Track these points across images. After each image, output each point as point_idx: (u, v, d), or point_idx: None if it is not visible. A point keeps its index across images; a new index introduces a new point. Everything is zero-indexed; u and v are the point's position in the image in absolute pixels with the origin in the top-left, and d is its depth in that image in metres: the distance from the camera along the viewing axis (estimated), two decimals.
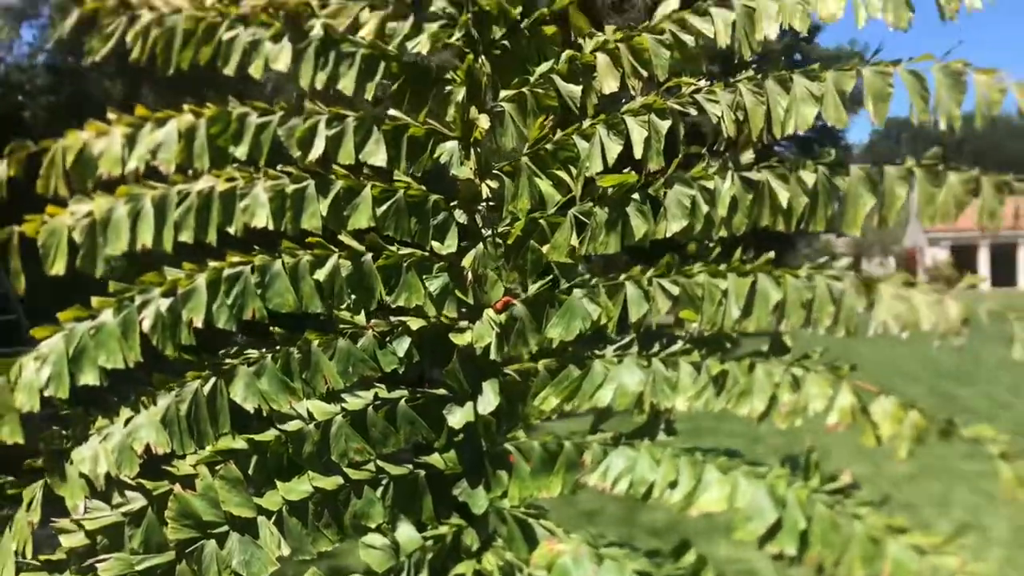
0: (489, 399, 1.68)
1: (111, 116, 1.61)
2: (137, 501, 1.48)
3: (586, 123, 1.71)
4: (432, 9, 1.75)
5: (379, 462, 1.63)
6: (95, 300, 1.53)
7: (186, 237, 1.56)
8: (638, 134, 1.65)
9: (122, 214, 1.54)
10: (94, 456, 1.48)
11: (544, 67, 1.74)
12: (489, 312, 1.70)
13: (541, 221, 1.69)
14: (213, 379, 1.57)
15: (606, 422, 1.68)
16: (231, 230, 1.58)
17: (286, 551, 1.50)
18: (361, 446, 1.61)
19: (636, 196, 1.66)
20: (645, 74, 1.71)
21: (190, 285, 1.55)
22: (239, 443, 1.54)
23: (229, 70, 1.66)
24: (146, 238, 1.54)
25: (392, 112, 1.71)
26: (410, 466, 1.66)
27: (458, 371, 1.67)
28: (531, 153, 1.71)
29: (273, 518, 1.51)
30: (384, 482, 1.62)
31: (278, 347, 1.62)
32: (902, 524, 1.40)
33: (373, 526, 1.58)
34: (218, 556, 1.46)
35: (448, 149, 1.72)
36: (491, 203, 1.75)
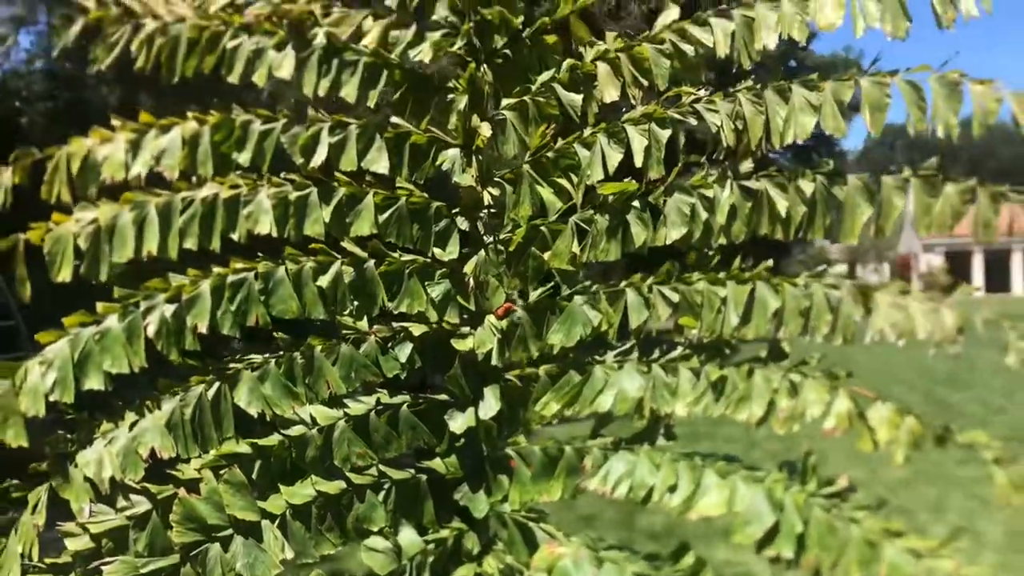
0: (490, 404, 1.69)
1: (115, 122, 1.63)
2: (142, 505, 1.49)
3: (587, 131, 1.72)
4: (434, 18, 1.76)
5: (381, 466, 1.65)
6: (100, 306, 1.54)
7: (190, 244, 1.57)
8: (638, 143, 1.67)
9: (127, 221, 1.56)
10: (99, 460, 1.49)
11: (545, 76, 1.75)
12: (490, 318, 1.71)
13: (542, 228, 1.70)
14: (217, 384, 1.58)
15: (606, 427, 1.69)
16: (235, 237, 1.60)
17: (290, 554, 1.51)
18: (363, 451, 1.62)
19: (636, 204, 1.67)
20: (645, 83, 1.73)
21: (194, 291, 1.56)
22: (243, 447, 1.56)
23: (233, 78, 1.68)
24: (151, 245, 1.55)
25: (394, 120, 1.72)
26: (412, 471, 1.67)
27: (460, 376, 1.69)
28: (532, 161, 1.73)
29: (277, 522, 1.52)
30: (386, 486, 1.63)
31: (281, 352, 1.64)
32: (898, 528, 1.41)
33: (375, 530, 1.60)
34: (222, 559, 1.47)
35: (450, 157, 1.74)
36: (493, 210, 1.76)
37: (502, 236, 1.75)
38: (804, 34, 1.64)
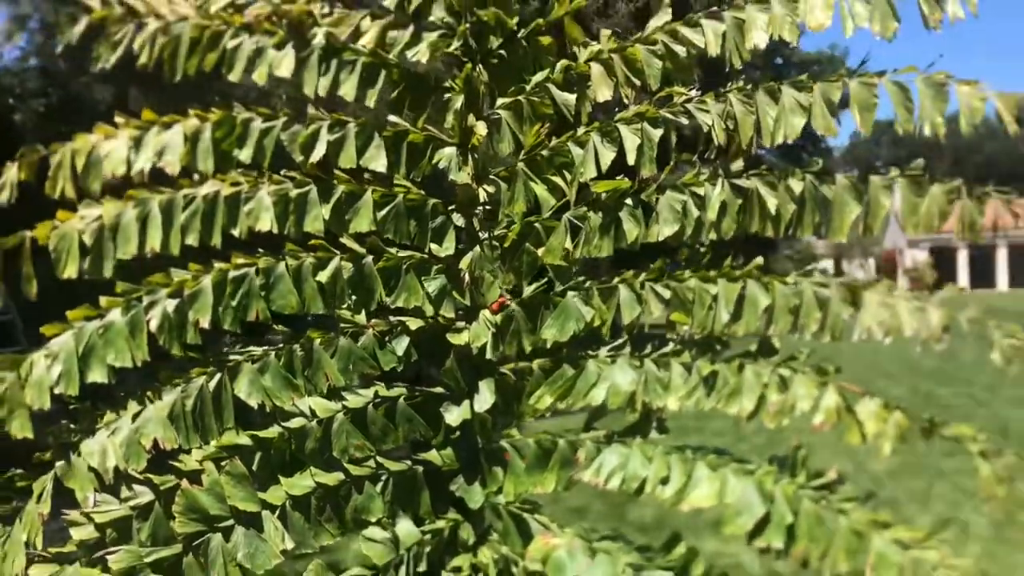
0: (485, 397, 1.72)
1: (118, 119, 1.64)
2: (145, 495, 1.52)
3: (580, 130, 1.75)
4: (431, 19, 1.78)
5: (379, 458, 1.68)
6: (104, 300, 1.57)
7: (192, 240, 1.60)
8: (631, 141, 1.70)
9: (131, 218, 1.58)
10: (103, 450, 1.52)
11: (540, 76, 1.78)
12: (485, 313, 1.74)
13: (536, 225, 1.73)
14: (218, 375, 1.61)
15: (599, 420, 1.72)
16: (236, 233, 1.62)
17: (289, 544, 1.53)
18: (361, 443, 1.65)
19: (629, 201, 1.70)
20: (638, 83, 1.76)
21: (196, 286, 1.59)
22: (244, 439, 1.58)
23: (234, 77, 1.70)
24: (154, 241, 1.57)
25: (392, 118, 1.75)
26: (409, 462, 1.70)
27: (455, 370, 1.72)
28: (527, 159, 1.75)
29: (277, 512, 1.55)
30: (384, 478, 1.66)
31: (281, 345, 1.66)
32: (885, 519, 1.44)
33: (373, 520, 1.63)
34: (224, 549, 1.50)
35: (447, 155, 1.76)
36: (488, 207, 1.79)
37: (497, 232, 1.78)
38: (795, 35, 1.66)
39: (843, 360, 1.63)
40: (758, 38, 1.68)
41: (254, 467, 1.57)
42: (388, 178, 1.72)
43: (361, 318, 1.72)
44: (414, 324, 1.73)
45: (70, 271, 1.55)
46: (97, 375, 1.52)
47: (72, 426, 1.56)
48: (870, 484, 7.37)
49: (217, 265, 1.62)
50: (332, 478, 1.61)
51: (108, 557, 1.44)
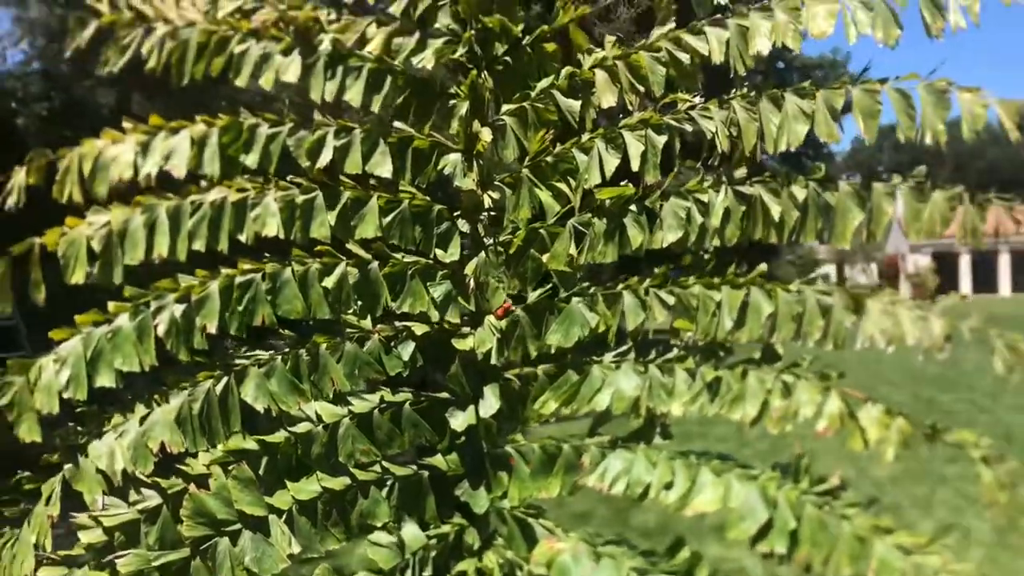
0: (490, 402, 1.73)
1: (126, 124, 1.66)
2: (152, 499, 1.53)
3: (585, 137, 1.76)
4: (437, 26, 1.80)
5: (384, 463, 1.69)
6: (111, 305, 1.58)
7: (199, 245, 1.61)
8: (635, 148, 1.71)
9: (138, 224, 1.59)
10: (110, 452, 1.53)
11: (545, 83, 1.79)
12: (490, 318, 1.75)
13: (541, 231, 1.74)
14: (225, 379, 1.62)
15: (604, 425, 1.73)
16: (243, 239, 1.63)
17: (296, 549, 1.54)
18: (367, 447, 1.66)
19: (633, 207, 1.71)
20: (642, 90, 1.77)
21: (203, 292, 1.60)
22: (250, 444, 1.59)
23: (241, 82, 1.71)
24: (161, 247, 1.59)
25: (398, 125, 1.76)
26: (414, 467, 1.71)
27: (460, 375, 1.73)
28: (532, 165, 1.76)
29: (284, 517, 1.56)
30: (389, 483, 1.67)
31: (287, 349, 1.67)
32: (888, 525, 1.44)
33: (379, 525, 1.64)
34: (231, 553, 1.51)
35: (452, 161, 1.77)
36: (493, 213, 1.80)
37: (502, 238, 1.79)
38: (798, 42, 1.67)
39: (845, 367, 1.63)
40: (761, 45, 1.69)
41: (261, 471, 1.58)
42: (394, 184, 1.73)
43: (367, 323, 1.73)
44: (419, 329, 1.74)
45: (77, 277, 1.56)
46: (105, 379, 1.53)
47: (79, 429, 1.57)
48: (873, 490, 7.37)
49: (224, 271, 1.63)
50: (338, 483, 1.62)
51: (117, 561, 1.45)
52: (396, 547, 1.62)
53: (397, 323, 1.75)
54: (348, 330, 1.72)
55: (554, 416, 1.74)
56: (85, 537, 1.48)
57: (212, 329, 1.58)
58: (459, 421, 1.73)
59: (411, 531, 1.65)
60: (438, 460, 1.72)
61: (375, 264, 1.70)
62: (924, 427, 1.51)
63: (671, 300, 1.69)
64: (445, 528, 1.69)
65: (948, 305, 1.56)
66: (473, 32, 1.78)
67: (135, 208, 1.60)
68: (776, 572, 5.40)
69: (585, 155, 1.74)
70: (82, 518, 1.50)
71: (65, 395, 1.50)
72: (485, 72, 1.80)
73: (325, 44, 1.73)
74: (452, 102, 1.80)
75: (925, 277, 42.40)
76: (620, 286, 1.74)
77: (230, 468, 1.55)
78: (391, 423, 1.69)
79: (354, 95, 1.74)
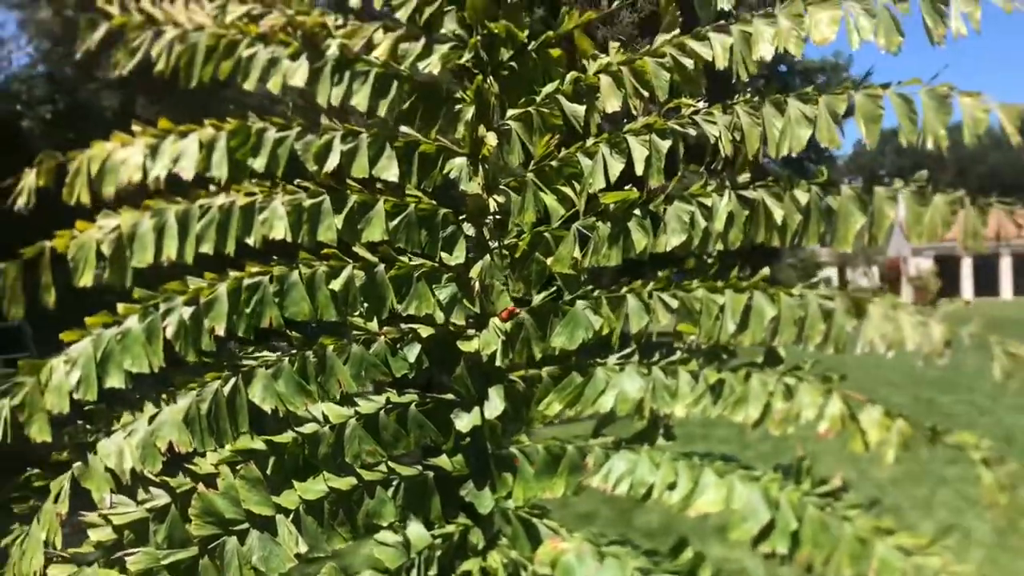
0: (495, 404, 1.75)
1: (135, 128, 1.67)
2: (161, 498, 1.55)
3: (589, 141, 1.78)
4: (443, 31, 1.81)
5: (390, 463, 1.70)
6: (121, 307, 1.59)
7: (207, 248, 1.62)
8: (639, 152, 1.73)
9: (148, 228, 1.60)
10: (119, 451, 1.54)
11: (550, 87, 1.81)
12: (495, 320, 1.77)
13: (546, 234, 1.76)
14: (233, 380, 1.64)
15: (608, 427, 1.74)
16: (250, 242, 1.65)
17: (303, 548, 1.56)
18: (373, 448, 1.68)
19: (637, 211, 1.73)
20: (646, 95, 1.78)
21: (212, 294, 1.62)
22: (258, 444, 1.61)
23: (249, 85, 1.72)
24: (170, 250, 1.60)
25: (404, 129, 1.78)
26: (419, 468, 1.73)
27: (465, 377, 1.74)
28: (536, 169, 1.78)
29: (291, 516, 1.58)
30: (395, 483, 1.69)
31: (295, 351, 1.69)
32: (889, 526, 1.45)
33: (385, 525, 1.65)
34: (239, 552, 1.53)
35: (457, 165, 1.79)
36: (498, 217, 1.82)
37: (507, 241, 1.80)
38: (800, 48, 1.69)
39: (846, 369, 1.65)
40: (764, 50, 1.71)
41: (268, 471, 1.59)
42: (400, 188, 1.75)
43: (373, 325, 1.74)
44: (425, 332, 1.76)
45: (86, 279, 1.58)
46: (115, 380, 1.54)
47: (88, 427, 1.59)
48: (874, 491, 7.39)
49: (232, 273, 1.64)
50: (345, 483, 1.63)
51: (126, 559, 1.47)
52: (402, 546, 1.64)
53: (403, 325, 1.77)
54: (355, 332, 1.73)
55: (558, 418, 1.76)
56: (94, 535, 1.50)
57: (220, 331, 1.59)
58: (464, 422, 1.74)
59: (417, 531, 1.66)
60: (443, 461, 1.74)
61: (381, 267, 1.71)
62: (924, 429, 1.52)
63: (675, 303, 1.71)
64: (450, 528, 1.70)
65: (949, 310, 1.57)
66: (479, 37, 1.80)
67: (144, 212, 1.62)
68: (778, 573, 5.42)
69: (590, 159, 1.76)
70: (91, 516, 1.51)
71: (75, 396, 1.52)
72: (491, 77, 1.82)
73: (332, 49, 1.75)
74: (458, 107, 1.82)
75: (927, 280, 42.38)
76: (624, 289, 1.75)
77: (238, 468, 1.57)
78: (397, 424, 1.71)
79: (361, 100, 1.75)
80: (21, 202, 1.59)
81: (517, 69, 1.83)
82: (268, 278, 1.65)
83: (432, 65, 1.78)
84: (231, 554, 1.52)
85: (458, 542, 1.70)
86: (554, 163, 1.77)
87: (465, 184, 1.78)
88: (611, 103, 1.78)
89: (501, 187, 1.81)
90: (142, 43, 1.71)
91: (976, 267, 48.45)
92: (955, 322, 1.53)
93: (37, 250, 1.55)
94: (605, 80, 1.79)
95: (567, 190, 1.76)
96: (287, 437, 1.63)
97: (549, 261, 1.75)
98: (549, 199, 1.76)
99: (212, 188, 1.67)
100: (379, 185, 1.74)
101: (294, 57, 1.74)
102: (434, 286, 1.75)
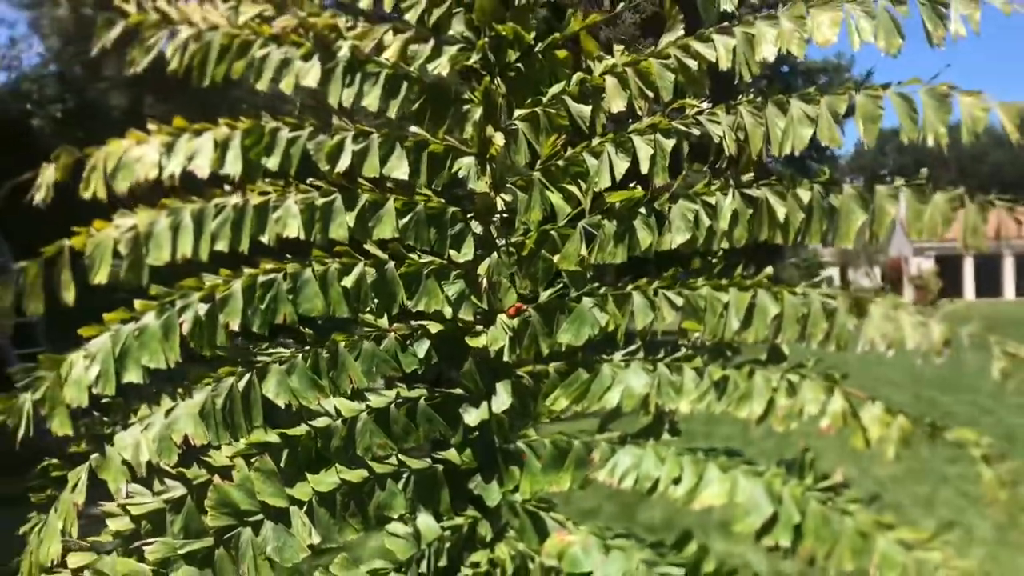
0: (503, 399, 1.78)
1: (151, 126, 1.70)
2: (177, 489, 1.58)
3: (595, 141, 1.81)
4: (451, 33, 1.84)
5: (400, 457, 1.73)
6: (138, 303, 1.63)
7: (222, 246, 1.65)
8: (644, 152, 1.75)
9: (164, 226, 1.63)
10: (136, 444, 1.57)
11: (556, 88, 1.84)
12: (503, 317, 1.79)
13: (552, 232, 1.79)
14: (247, 376, 1.67)
15: (613, 422, 1.77)
16: (264, 240, 1.68)
17: (316, 539, 1.59)
18: (384, 441, 1.71)
19: (642, 210, 1.76)
20: (651, 95, 1.81)
21: (227, 291, 1.65)
22: (272, 437, 1.64)
23: (262, 85, 1.76)
24: (186, 248, 1.63)
25: (413, 129, 1.81)
26: (429, 461, 1.76)
27: (474, 372, 1.77)
28: (543, 168, 1.81)
29: (304, 508, 1.60)
30: (405, 475, 1.72)
31: (307, 347, 1.72)
32: (890, 521, 1.48)
33: (395, 516, 1.68)
34: (254, 543, 1.56)
35: (466, 164, 1.82)
36: (505, 215, 1.85)
37: (514, 239, 1.83)
38: (802, 49, 1.71)
39: (848, 368, 1.67)
40: (767, 52, 1.73)
41: (282, 464, 1.62)
42: (410, 187, 1.78)
43: (384, 322, 1.77)
44: (434, 328, 1.79)
45: (101, 277, 1.60)
46: (133, 376, 1.57)
47: (105, 420, 1.62)
48: (875, 489, 7.40)
49: (246, 271, 1.67)
50: (356, 475, 1.66)
51: (144, 548, 1.50)
52: (412, 538, 1.67)
53: (413, 322, 1.80)
54: (366, 329, 1.76)
55: (565, 413, 1.78)
56: (112, 524, 1.53)
57: (235, 327, 1.63)
58: (472, 417, 1.77)
59: (426, 522, 1.69)
60: (452, 454, 1.76)
61: (392, 264, 1.74)
62: (924, 425, 1.54)
63: (680, 301, 1.73)
64: (459, 520, 1.73)
65: (949, 310, 1.59)
66: (487, 39, 1.82)
67: (161, 211, 1.65)
68: (780, 568, 5.45)
69: (595, 159, 1.79)
70: (109, 506, 1.54)
71: (95, 390, 1.55)
72: (498, 78, 1.85)
73: (344, 50, 1.78)
74: (466, 107, 1.85)
75: (928, 280, 42.33)
76: (630, 287, 1.78)
77: (252, 460, 1.60)
78: (407, 418, 1.74)
79: (372, 100, 1.78)
80: (39, 197, 1.62)
81: (524, 70, 1.86)
82: (282, 275, 1.68)
83: (441, 66, 1.81)
84: (246, 544, 1.55)
85: (467, 534, 1.73)
86: (560, 162, 1.80)
87: (473, 183, 1.81)
88: (616, 103, 1.81)
89: (508, 186, 1.84)
90: (157, 42, 1.74)
91: (978, 268, 48.40)
92: (955, 322, 1.56)
93: (57, 248, 1.58)
94: (610, 81, 1.82)
95: (573, 189, 1.79)
96: (300, 430, 1.66)
97: (556, 258, 1.78)
98: (555, 198, 1.79)
99: (226, 188, 1.70)
100: (389, 184, 1.77)
101: (306, 58, 1.77)
102: (443, 283, 1.78)
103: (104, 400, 1.61)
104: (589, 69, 1.86)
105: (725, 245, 1.73)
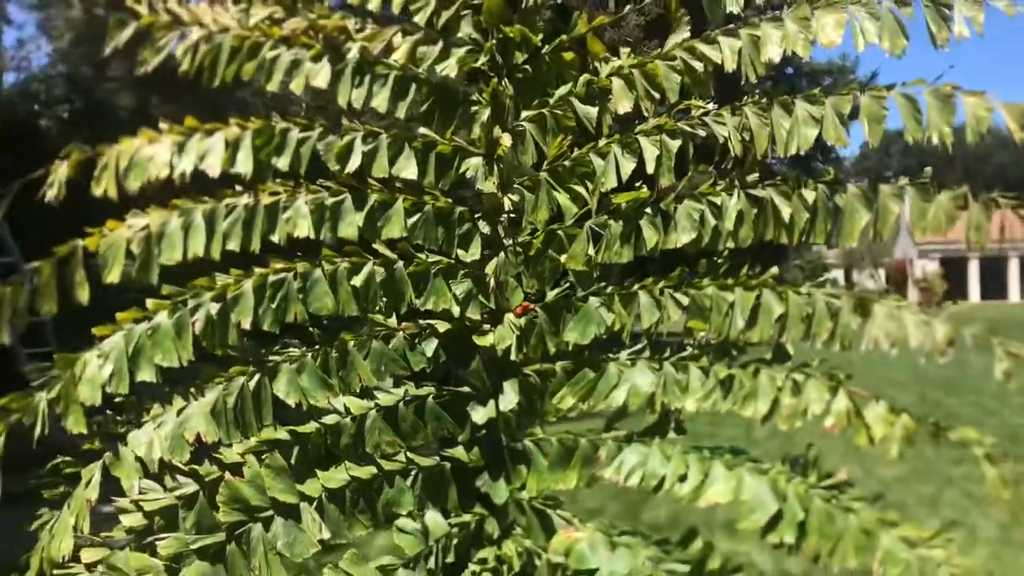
0: (510, 397, 1.79)
1: (163, 126, 1.71)
2: (189, 486, 1.60)
3: (602, 142, 1.82)
4: (459, 35, 1.86)
5: (409, 454, 1.75)
6: (150, 302, 1.64)
7: (233, 246, 1.67)
8: (650, 152, 1.77)
9: (176, 226, 1.65)
10: (149, 441, 1.59)
11: (563, 90, 1.86)
12: (510, 316, 1.81)
13: (559, 232, 1.80)
14: (258, 375, 1.69)
15: (620, 421, 1.78)
16: (275, 239, 1.69)
17: (326, 535, 1.61)
18: (392, 439, 1.72)
19: (648, 210, 1.77)
20: (657, 96, 1.82)
21: (238, 290, 1.66)
22: (282, 434, 1.66)
23: (272, 86, 1.78)
24: (197, 248, 1.65)
25: (422, 130, 1.82)
26: (437, 458, 1.78)
27: (481, 371, 1.79)
28: (550, 169, 1.82)
29: (314, 504, 1.62)
30: (413, 473, 1.74)
31: (317, 346, 1.74)
32: (893, 519, 1.49)
33: (403, 513, 1.70)
34: (264, 538, 1.58)
35: (473, 165, 1.84)
36: (512, 215, 1.86)
37: (521, 239, 1.85)
38: (808, 51, 1.72)
39: (852, 369, 1.68)
40: (772, 53, 1.75)
41: (292, 460, 1.64)
42: (418, 187, 1.80)
43: (392, 321, 1.79)
44: (442, 327, 1.81)
45: (114, 276, 1.62)
46: (146, 374, 1.59)
47: (118, 418, 1.64)
48: (880, 489, 7.41)
49: (257, 270, 1.69)
50: (365, 472, 1.68)
51: (157, 543, 1.52)
52: (420, 534, 1.69)
53: (421, 321, 1.81)
54: (375, 328, 1.78)
55: (571, 411, 1.80)
56: (126, 520, 1.55)
57: (246, 326, 1.64)
58: (480, 415, 1.79)
59: (434, 519, 1.71)
60: (460, 452, 1.78)
61: (400, 263, 1.76)
62: (928, 425, 1.55)
63: (685, 300, 1.75)
64: (466, 517, 1.75)
65: (953, 311, 1.60)
66: (494, 41, 1.84)
67: (172, 211, 1.66)
68: (784, 566, 5.46)
69: (602, 159, 1.80)
70: (122, 502, 1.56)
71: (109, 389, 1.57)
72: (506, 80, 1.86)
73: (353, 52, 1.79)
74: (474, 108, 1.87)
75: (933, 282, 42.28)
76: (636, 286, 1.79)
77: (263, 457, 1.61)
78: (415, 416, 1.76)
79: (381, 101, 1.80)
80: (52, 194, 1.63)
81: (531, 72, 1.88)
82: (292, 274, 1.70)
83: (449, 68, 1.83)
84: (257, 540, 1.57)
85: (474, 531, 1.75)
86: (567, 163, 1.82)
87: (481, 183, 1.83)
88: (623, 105, 1.82)
89: (515, 186, 1.85)
90: (168, 43, 1.76)
91: (983, 270, 48.33)
92: (959, 323, 1.56)
93: (70, 248, 1.59)
94: (617, 82, 1.83)
95: (580, 189, 1.81)
96: (310, 428, 1.68)
97: (562, 258, 1.79)
98: (562, 198, 1.81)
99: (237, 188, 1.71)
100: (398, 184, 1.79)
101: (316, 59, 1.79)
102: (451, 282, 1.79)
103: (117, 399, 1.63)
104: (595, 71, 1.88)
105: (730, 245, 1.74)
